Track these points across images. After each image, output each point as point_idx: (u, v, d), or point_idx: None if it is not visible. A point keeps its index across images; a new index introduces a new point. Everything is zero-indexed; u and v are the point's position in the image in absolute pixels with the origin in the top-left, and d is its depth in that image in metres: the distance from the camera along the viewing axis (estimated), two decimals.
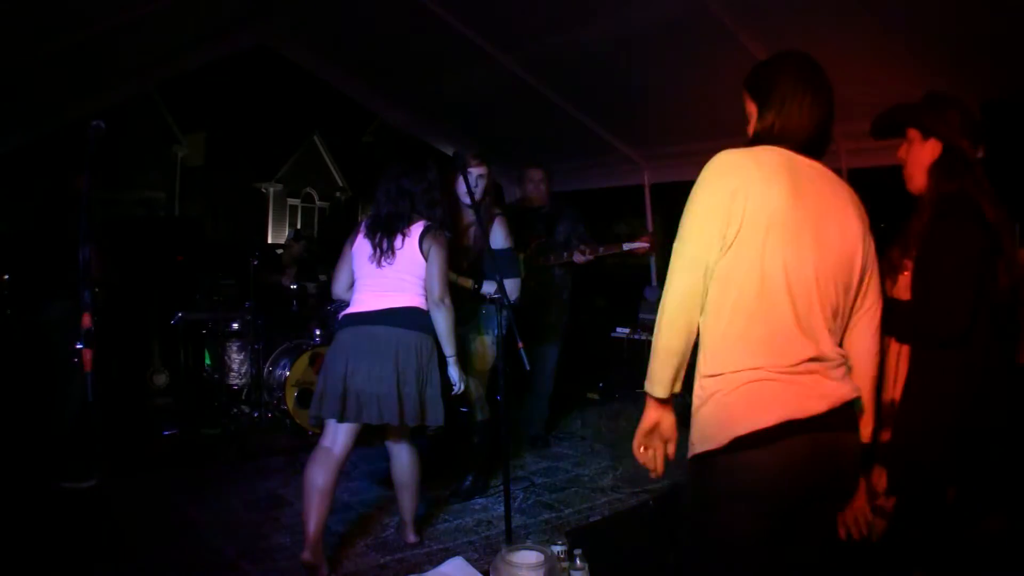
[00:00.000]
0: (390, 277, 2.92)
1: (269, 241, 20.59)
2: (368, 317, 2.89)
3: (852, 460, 1.49)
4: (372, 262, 2.93)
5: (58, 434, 3.78)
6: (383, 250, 2.92)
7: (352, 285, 3.01)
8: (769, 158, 1.50)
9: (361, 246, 2.98)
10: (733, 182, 1.45)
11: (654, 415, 1.57)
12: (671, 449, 1.59)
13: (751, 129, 1.62)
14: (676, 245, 1.49)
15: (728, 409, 1.41)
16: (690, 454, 1.50)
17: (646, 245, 4.23)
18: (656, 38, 3.95)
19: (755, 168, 1.47)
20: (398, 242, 2.93)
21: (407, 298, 2.91)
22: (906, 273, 1.98)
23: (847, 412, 1.46)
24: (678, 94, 4.44)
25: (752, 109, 1.61)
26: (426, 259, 2.92)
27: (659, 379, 1.52)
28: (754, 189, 1.44)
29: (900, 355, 1.98)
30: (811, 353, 1.42)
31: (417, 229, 2.94)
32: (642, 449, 1.60)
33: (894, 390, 1.99)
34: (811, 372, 1.42)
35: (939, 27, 3.10)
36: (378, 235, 2.95)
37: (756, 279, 1.43)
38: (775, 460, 1.38)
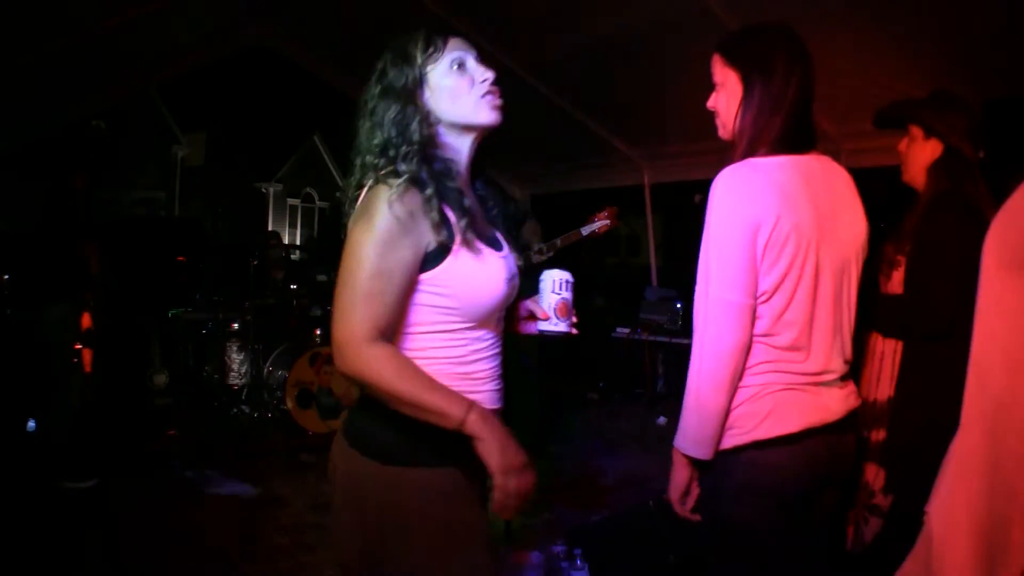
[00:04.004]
0: None
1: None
2: None
3: (852, 452, 1.60)
4: None
5: (58, 434, 3.78)
6: None
7: None
8: (779, 171, 1.43)
9: None
10: (753, 210, 1.38)
11: (686, 474, 1.50)
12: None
13: (725, 102, 1.54)
14: (714, 291, 1.39)
15: (754, 416, 1.45)
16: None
17: (607, 222, 3.89)
18: (656, 38, 3.94)
19: (770, 189, 1.40)
20: None
21: None
22: (900, 268, 1.98)
23: (852, 417, 1.56)
24: (678, 94, 4.42)
25: (729, 77, 1.54)
26: None
27: (699, 439, 1.44)
28: (775, 213, 1.38)
29: (894, 353, 1.98)
30: (832, 372, 1.49)
31: None
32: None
33: (889, 388, 1.99)
34: (828, 385, 1.50)
35: (940, 26, 3.10)
36: None
37: (785, 303, 1.42)
38: (796, 460, 1.45)
